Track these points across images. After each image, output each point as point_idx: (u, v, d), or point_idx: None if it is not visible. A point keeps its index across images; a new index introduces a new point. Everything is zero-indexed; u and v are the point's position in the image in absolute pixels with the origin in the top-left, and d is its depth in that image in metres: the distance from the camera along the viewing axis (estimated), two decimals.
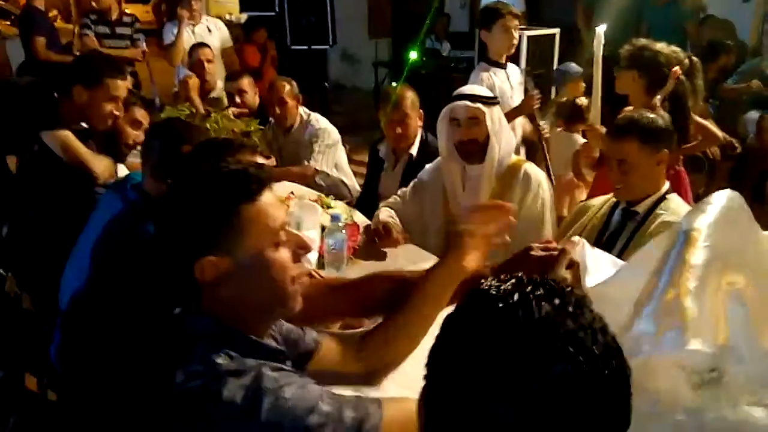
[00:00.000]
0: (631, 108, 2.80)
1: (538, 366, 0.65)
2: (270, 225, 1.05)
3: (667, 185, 2.25)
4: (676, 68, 2.82)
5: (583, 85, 4.46)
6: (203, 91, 4.29)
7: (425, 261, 2.42)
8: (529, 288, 0.70)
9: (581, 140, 3.88)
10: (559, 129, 4.23)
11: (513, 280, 0.72)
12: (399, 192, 2.92)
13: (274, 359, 1.05)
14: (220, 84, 4.42)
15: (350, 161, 4.00)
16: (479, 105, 2.55)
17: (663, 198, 2.21)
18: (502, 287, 0.72)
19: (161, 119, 2.57)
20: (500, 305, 0.69)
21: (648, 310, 0.93)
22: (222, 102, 4.19)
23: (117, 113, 2.61)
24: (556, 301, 0.69)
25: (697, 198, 3.46)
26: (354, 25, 9.16)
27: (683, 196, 2.56)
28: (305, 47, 7.51)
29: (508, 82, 3.66)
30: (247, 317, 1.06)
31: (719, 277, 0.94)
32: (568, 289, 0.72)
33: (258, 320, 1.09)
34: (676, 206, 2.19)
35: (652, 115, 2.22)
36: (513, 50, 3.69)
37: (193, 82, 4.08)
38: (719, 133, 3.16)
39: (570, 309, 0.69)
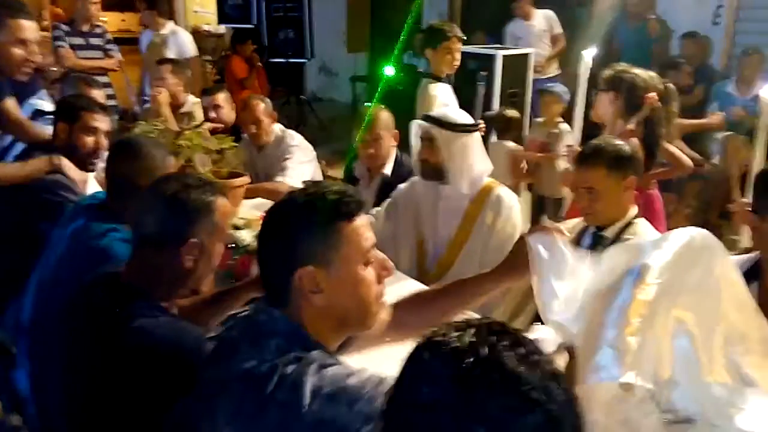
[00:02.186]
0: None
1: (512, 418, 0.67)
2: (363, 244, 1.15)
3: (635, 210, 2.30)
4: (652, 94, 2.88)
5: (563, 106, 4.55)
6: (175, 105, 4.24)
7: (398, 281, 2.44)
8: (494, 339, 0.71)
9: (513, 146, 4.43)
10: (493, 139, 4.48)
11: (473, 330, 0.73)
12: (373, 211, 2.93)
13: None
14: (191, 98, 4.38)
15: (325, 177, 4.01)
16: (433, 129, 2.59)
17: (630, 223, 2.25)
18: (464, 339, 0.72)
19: (123, 137, 2.52)
20: (469, 360, 0.70)
21: (601, 345, 0.95)
22: (194, 116, 4.16)
23: (31, 60, 2.46)
24: (521, 351, 0.71)
25: (668, 217, 3.54)
26: (332, 39, 9.21)
27: (655, 220, 2.61)
28: (283, 60, 7.55)
29: (453, 95, 3.91)
30: (326, 327, 1.15)
31: (667, 314, 0.97)
32: (525, 334, 0.74)
33: (335, 332, 1.19)
34: (642, 231, 2.23)
35: (618, 142, 2.27)
36: (454, 70, 3.98)
37: (164, 96, 4.03)
38: (688, 162, 3.22)
39: (533, 358, 0.71)
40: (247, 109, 3.66)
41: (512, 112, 4.69)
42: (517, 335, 0.74)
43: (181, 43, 5.60)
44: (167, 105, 4.03)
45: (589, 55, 2.85)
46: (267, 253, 1.18)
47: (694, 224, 1.15)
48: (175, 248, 1.52)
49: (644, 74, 2.96)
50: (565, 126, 4.54)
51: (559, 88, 4.70)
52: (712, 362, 0.97)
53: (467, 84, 4.76)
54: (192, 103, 4.34)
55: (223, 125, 3.92)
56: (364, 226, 1.17)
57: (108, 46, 5.20)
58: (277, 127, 3.76)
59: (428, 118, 2.66)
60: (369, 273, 1.17)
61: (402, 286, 2.45)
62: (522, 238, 1.38)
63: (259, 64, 7.32)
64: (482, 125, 3.22)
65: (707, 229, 1.14)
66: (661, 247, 1.06)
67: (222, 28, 8.40)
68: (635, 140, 2.71)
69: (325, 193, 1.16)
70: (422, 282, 2.53)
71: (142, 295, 1.50)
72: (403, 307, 1.45)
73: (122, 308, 1.46)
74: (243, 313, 1.20)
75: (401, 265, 2.65)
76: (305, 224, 1.13)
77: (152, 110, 4.07)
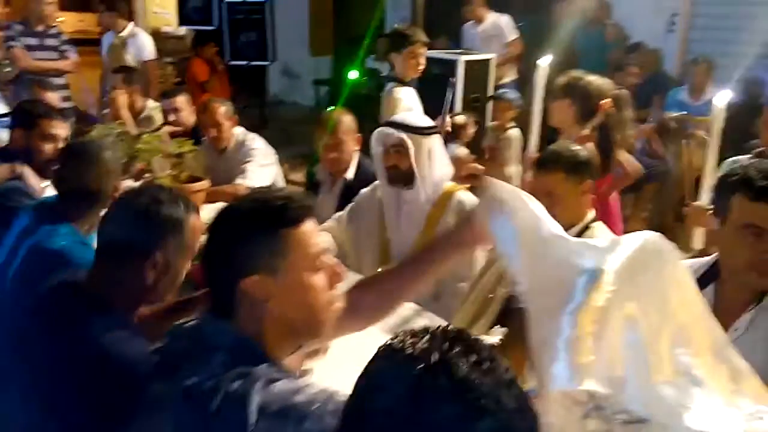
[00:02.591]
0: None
1: (462, 426, 0.67)
2: (311, 250, 1.12)
3: (592, 213, 2.34)
4: (607, 101, 2.94)
5: (514, 112, 4.61)
6: (134, 110, 4.18)
7: None
8: (446, 346, 0.71)
9: (460, 151, 4.43)
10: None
11: (428, 337, 0.73)
12: (335, 215, 2.92)
13: None
14: (150, 103, 4.32)
15: (287, 181, 3.99)
16: (403, 134, 2.59)
17: (588, 226, 2.29)
18: (418, 345, 0.72)
19: (77, 140, 2.49)
20: (420, 367, 0.70)
21: (555, 349, 0.97)
22: (154, 120, 4.11)
23: None
24: (473, 359, 0.71)
25: (625, 221, 3.62)
26: (295, 42, 9.17)
27: (612, 223, 2.66)
28: (244, 63, 7.49)
29: (418, 100, 3.95)
30: (276, 337, 1.11)
31: (619, 317, 0.99)
32: (480, 340, 0.74)
33: (286, 341, 1.14)
34: (600, 234, 2.27)
35: (575, 148, 2.31)
36: (419, 74, 4.01)
37: (122, 99, 3.97)
38: (637, 169, 3.27)
39: (486, 365, 0.71)
40: (207, 112, 3.62)
41: (460, 119, 4.65)
42: (471, 341, 0.73)
43: (141, 45, 5.52)
44: (126, 108, 3.97)
45: (545, 62, 2.89)
46: (212, 262, 1.14)
47: (650, 227, 1.16)
48: (140, 262, 1.49)
49: (598, 81, 3.03)
50: (515, 132, 4.62)
51: (511, 94, 4.75)
52: (661, 363, 0.99)
53: (431, 88, 4.79)
54: (151, 107, 4.28)
55: (182, 128, 3.87)
56: (311, 231, 1.14)
57: (63, 47, 5.08)
58: (238, 131, 3.73)
59: (397, 124, 2.65)
60: (319, 279, 1.13)
61: None
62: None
63: (221, 66, 7.25)
64: (447, 127, 3.27)
65: (663, 231, 1.16)
66: (616, 251, 1.08)
67: (182, 30, 8.29)
68: (591, 145, 2.76)
69: (270, 200, 1.13)
70: None
71: (103, 306, 1.47)
72: (360, 288, 1.42)
73: (81, 318, 1.43)
74: (189, 324, 1.16)
75: (365, 269, 2.65)
76: (250, 232, 1.10)
77: (111, 113, 4.01)
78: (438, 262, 1.40)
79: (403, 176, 2.62)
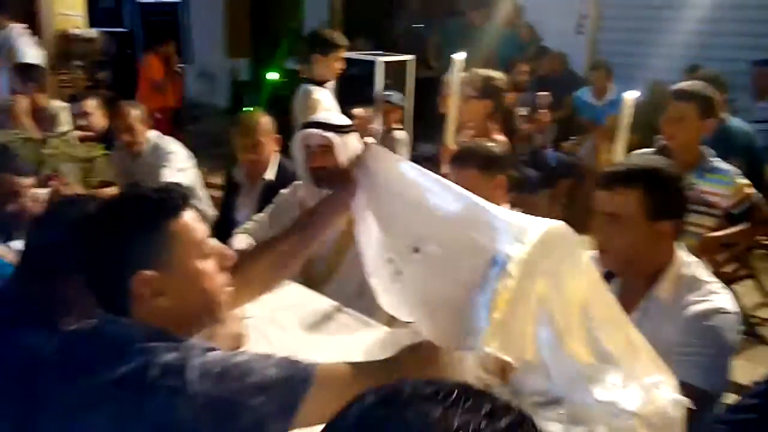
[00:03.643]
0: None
1: None
2: (195, 238, 1.12)
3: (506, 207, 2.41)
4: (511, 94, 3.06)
5: (400, 113, 4.72)
6: (36, 112, 3.99)
7: (282, 285, 2.43)
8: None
9: (357, 111, 4.41)
10: None
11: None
12: (256, 217, 2.89)
13: None
14: (56, 103, 4.13)
15: (206, 185, 3.92)
16: (329, 134, 2.59)
17: None
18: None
19: None
20: None
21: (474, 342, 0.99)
22: (59, 121, 3.93)
23: None
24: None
25: (544, 217, 3.73)
26: (212, 44, 9.01)
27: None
28: None
29: (334, 101, 3.99)
30: (175, 328, 1.10)
31: (529, 300, 1.02)
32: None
33: (185, 331, 1.13)
34: None
35: (489, 144, 2.38)
36: (337, 76, 4.09)
37: (21, 105, 3.78)
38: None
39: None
40: (120, 116, 3.51)
41: (359, 111, 4.65)
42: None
43: (17, 48, 5.21)
44: (27, 114, 3.78)
45: (460, 56, 2.95)
46: (95, 263, 1.11)
47: (565, 221, 1.20)
48: (65, 277, 1.44)
49: (498, 75, 3.20)
50: (401, 134, 4.71)
51: (396, 96, 4.83)
52: (573, 341, 1.03)
53: (349, 89, 4.82)
54: (57, 107, 4.10)
55: (93, 133, 3.73)
56: (193, 219, 1.13)
57: None
58: (153, 134, 3.64)
59: (322, 124, 2.64)
60: (208, 265, 1.13)
61: (287, 291, 2.46)
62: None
63: (176, 67, 6.89)
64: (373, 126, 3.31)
65: (577, 226, 1.20)
66: (523, 237, 1.09)
67: (93, 32, 8.00)
68: (503, 138, 2.85)
69: (146, 193, 1.12)
70: (308, 283, 2.54)
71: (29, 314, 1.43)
72: (250, 258, 1.42)
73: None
74: (85, 329, 1.12)
75: None
76: (132, 228, 1.08)
77: (11, 120, 3.81)
78: (320, 225, 1.44)
79: (330, 176, 2.61)
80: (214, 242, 1.16)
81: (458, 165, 2.31)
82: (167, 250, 1.08)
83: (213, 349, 1.06)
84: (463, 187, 2.30)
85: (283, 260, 1.43)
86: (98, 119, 3.87)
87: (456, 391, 0.61)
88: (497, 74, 3.17)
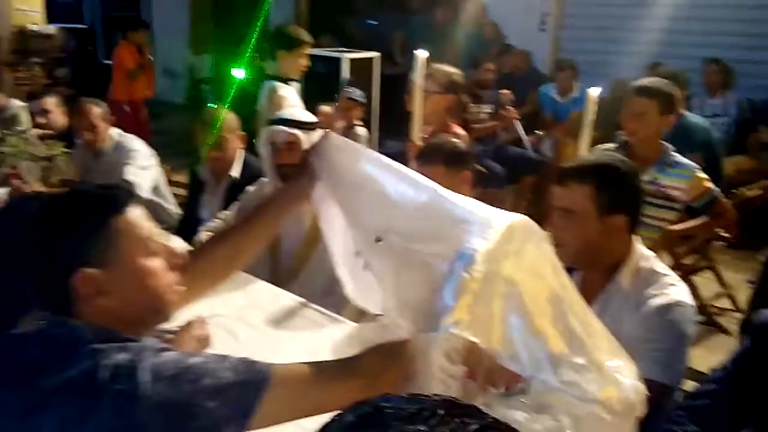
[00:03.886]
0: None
1: None
2: (140, 235, 1.08)
3: None
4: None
5: (361, 110, 4.76)
6: None
7: (250, 283, 2.42)
8: None
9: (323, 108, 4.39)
10: None
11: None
12: (221, 215, 2.87)
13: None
14: (15, 102, 4.05)
15: (170, 183, 3.87)
16: (296, 131, 2.59)
17: None
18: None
19: None
20: None
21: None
22: (20, 120, 3.85)
23: None
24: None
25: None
26: (174, 40, 8.89)
27: None
28: None
29: (297, 96, 3.97)
30: (121, 327, 1.06)
31: (496, 290, 1.04)
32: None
33: (135, 329, 1.09)
34: None
35: (454, 140, 2.40)
36: (303, 73, 4.07)
37: None
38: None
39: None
40: (81, 114, 3.45)
41: (326, 109, 4.69)
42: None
43: None
44: None
45: (422, 53, 2.96)
46: (37, 261, 1.07)
47: (530, 217, 1.21)
48: (20, 276, 1.40)
49: (456, 71, 3.28)
50: (362, 130, 4.74)
51: (357, 93, 4.86)
52: (542, 322, 1.05)
53: (315, 86, 4.81)
54: (16, 107, 4.01)
55: (52, 131, 3.66)
56: (138, 216, 1.09)
57: None
58: (115, 132, 3.58)
59: (288, 121, 2.63)
60: (155, 263, 1.10)
61: (255, 289, 2.45)
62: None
63: (149, 57, 6.70)
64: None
65: (541, 221, 1.22)
66: (488, 227, 1.09)
67: (51, 29, 7.83)
68: (463, 132, 2.90)
69: (89, 190, 1.10)
70: (276, 281, 2.53)
71: None
72: (204, 251, 1.38)
73: None
74: (29, 330, 1.07)
75: (254, 267, 2.61)
76: (72, 225, 1.05)
77: None
78: (274, 215, 1.40)
79: (295, 173, 2.61)
80: (163, 240, 1.13)
81: (425, 161, 2.33)
82: (111, 247, 1.05)
83: (167, 350, 1.03)
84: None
85: (237, 251, 1.38)
86: (58, 117, 3.80)
87: (440, 408, 0.57)
88: (457, 70, 3.23)
